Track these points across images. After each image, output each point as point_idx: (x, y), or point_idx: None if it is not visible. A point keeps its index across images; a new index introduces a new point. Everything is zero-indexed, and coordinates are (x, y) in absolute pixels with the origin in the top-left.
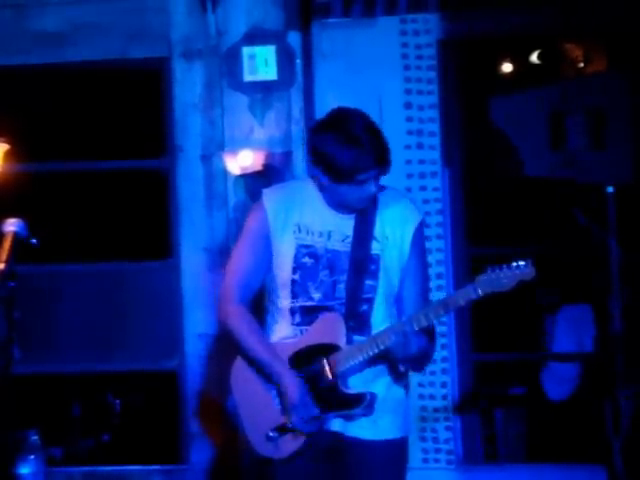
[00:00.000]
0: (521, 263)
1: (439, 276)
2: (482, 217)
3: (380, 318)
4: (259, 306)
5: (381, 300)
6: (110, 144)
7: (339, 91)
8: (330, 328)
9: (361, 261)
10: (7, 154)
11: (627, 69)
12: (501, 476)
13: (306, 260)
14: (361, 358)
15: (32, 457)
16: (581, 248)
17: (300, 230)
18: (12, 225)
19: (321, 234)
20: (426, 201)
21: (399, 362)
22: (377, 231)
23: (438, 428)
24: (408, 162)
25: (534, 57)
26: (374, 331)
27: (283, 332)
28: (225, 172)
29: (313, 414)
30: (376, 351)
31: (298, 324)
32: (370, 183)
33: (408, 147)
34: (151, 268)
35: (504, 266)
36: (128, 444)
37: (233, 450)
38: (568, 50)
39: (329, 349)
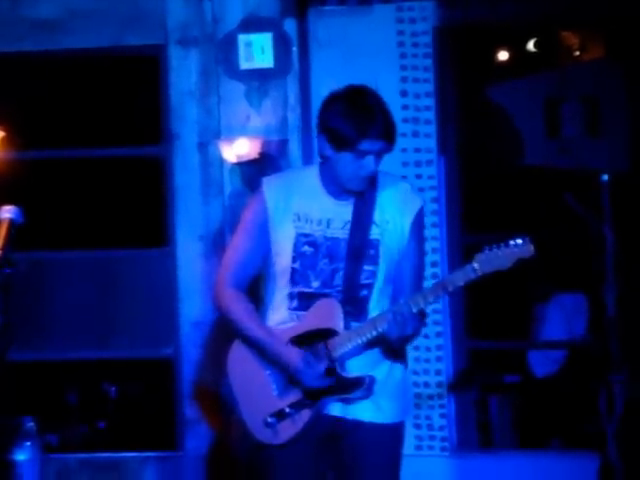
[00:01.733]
0: (519, 241)
1: (434, 264)
2: (478, 205)
3: (378, 303)
4: (256, 297)
5: (380, 285)
6: (106, 132)
7: (335, 79)
8: (327, 313)
9: (359, 247)
10: (3, 141)
11: (623, 57)
12: (495, 463)
13: (306, 249)
14: (359, 342)
15: (28, 444)
16: (576, 236)
17: (299, 219)
18: (8, 212)
19: (320, 222)
20: (421, 189)
21: (393, 342)
22: (377, 216)
23: (432, 415)
24: (404, 150)
25: (530, 45)
26: (370, 315)
27: (279, 317)
28: (221, 160)
29: (322, 369)
30: (374, 334)
31: (295, 309)
32: (371, 158)
33: (404, 135)
34: (147, 256)
35: (502, 245)
36: (124, 431)
37: (228, 437)
38: (564, 38)
39: (327, 334)
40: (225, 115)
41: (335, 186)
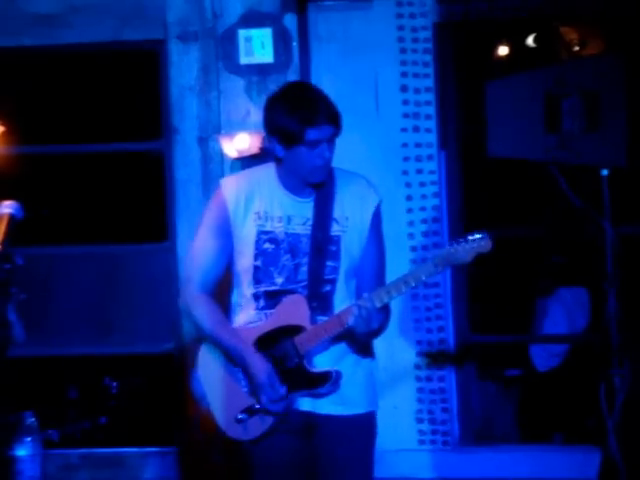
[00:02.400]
0: (477, 236)
1: None
2: (478, 200)
3: (342, 298)
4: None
5: (342, 280)
6: (106, 127)
7: (335, 74)
8: (294, 310)
9: (321, 243)
10: (2, 136)
11: (622, 52)
12: (497, 457)
13: (267, 246)
14: (326, 337)
15: (29, 439)
16: (576, 230)
17: (260, 217)
18: (8, 207)
19: (280, 219)
20: (422, 184)
21: (359, 337)
22: (337, 212)
23: (434, 409)
24: (404, 145)
25: (530, 40)
26: (336, 310)
27: (248, 317)
28: (222, 155)
29: (281, 394)
30: (340, 330)
31: (262, 308)
32: (323, 146)
33: (404, 130)
34: (148, 250)
35: (461, 240)
36: (125, 426)
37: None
38: (564, 33)
39: (294, 330)
40: (225, 110)
41: (294, 183)
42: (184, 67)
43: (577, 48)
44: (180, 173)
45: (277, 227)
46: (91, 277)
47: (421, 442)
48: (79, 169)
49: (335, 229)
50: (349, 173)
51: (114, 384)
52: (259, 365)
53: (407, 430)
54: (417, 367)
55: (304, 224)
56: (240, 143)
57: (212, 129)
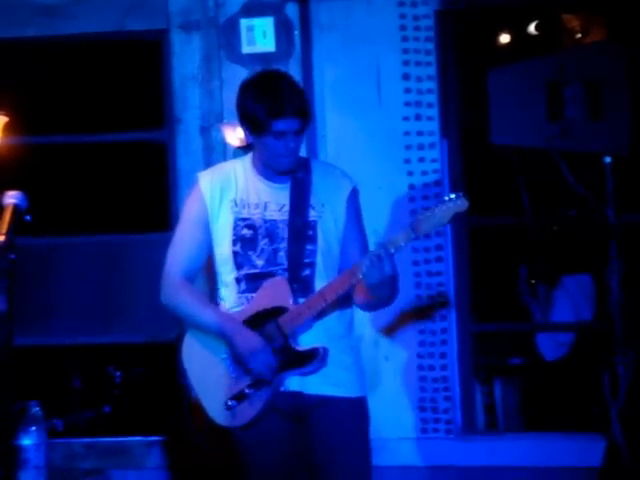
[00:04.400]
0: (452, 196)
1: (438, 248)
2: (480, 188)
3: (323, 282)
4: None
5: (321, 264)
6: (109, 116)
7: (337, 63)
8: (276, 291)
9: (299, 227)
10: (6, 126)
11: (625, 40)
12: (500, 445)
13: (245, 232)
14: (309, 315)
15: (33, 429)
16: (579, 218)
17: (237, 204)
18: (12, 197)
19: (257, 206)
20: (425, 173)
21: (374, 289)
22: (313, 199)
23: (437, 398)
24: (406, 134)
25: (532, 28)
26: None
27: (230, 302)
28: (224, 144)
29: (272, 361)
30: (323, 305)
31: (244, 291)
32: (289, 137)
33: (406, 119)
34: (150, 240)
35: (438, 203)
36: (129, 416)
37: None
38: (566, 21)
39: (277, 312)
40: (227, 99)
41: (268, 170)
42: (186, 57)
43: (579, 36)
44: (182, 162)
45: (254, 214)
46: (94, 267)
47: (424, 430)
48: (82, 159)
49: (312, 214)
50: (325, 164)
51: (117, 373)
52: (248, 334)
53: (410, 418)
54: (419, 356)
55: (280, 210)
56: (242, 132)
57: (214, 118)
